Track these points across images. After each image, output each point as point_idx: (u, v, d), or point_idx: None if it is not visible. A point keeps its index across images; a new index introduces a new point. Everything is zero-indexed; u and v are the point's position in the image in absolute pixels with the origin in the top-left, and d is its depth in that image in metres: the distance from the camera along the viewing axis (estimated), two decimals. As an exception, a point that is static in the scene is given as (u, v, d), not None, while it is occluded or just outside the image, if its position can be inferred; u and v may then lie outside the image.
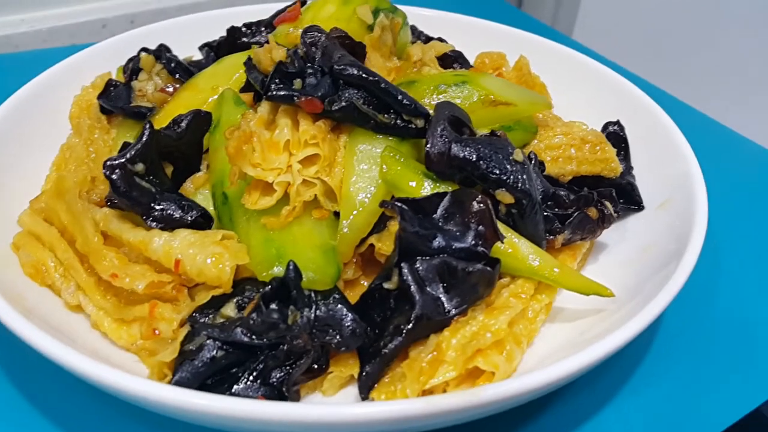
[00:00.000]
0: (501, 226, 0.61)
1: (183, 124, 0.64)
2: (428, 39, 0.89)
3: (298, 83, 0.62)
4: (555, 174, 0.73)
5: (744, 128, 1.04)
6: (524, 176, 0.62)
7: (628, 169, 0.78)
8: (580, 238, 0.68)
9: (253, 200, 0.58)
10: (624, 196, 0.75)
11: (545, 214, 0.65)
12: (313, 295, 0.56)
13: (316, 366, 0.57)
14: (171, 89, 0.73)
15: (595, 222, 0.67)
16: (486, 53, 0.90)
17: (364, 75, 0.61)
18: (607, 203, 0.68)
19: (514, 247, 0.61)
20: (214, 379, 0.55)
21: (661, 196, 0.73)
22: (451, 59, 0.77)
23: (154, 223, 0.59)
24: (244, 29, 0.82)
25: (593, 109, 0.85)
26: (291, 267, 0.54)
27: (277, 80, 0.60)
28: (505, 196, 0.61)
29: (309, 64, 0.63)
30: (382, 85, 0.61)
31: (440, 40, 0.89)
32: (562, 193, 0.68)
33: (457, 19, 1.03)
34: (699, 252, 0.61)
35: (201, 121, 0.66)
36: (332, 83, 0.62)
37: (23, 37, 1.30)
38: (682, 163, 0.73)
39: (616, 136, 0.78)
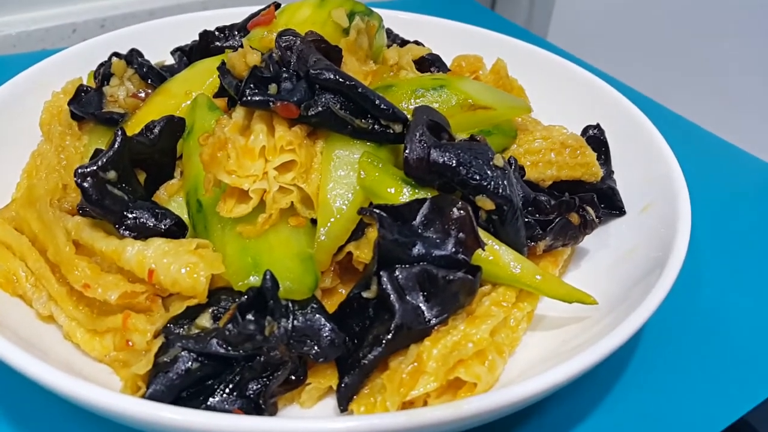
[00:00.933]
0: (482, 233, 0.61)
1: (156, 131, 0.62)
2: (404, 42, 0.88)
3: (273, 88, 0.60)
4: (535, 179, 0.72)
5: (718, 128, 1.04)
6: (505, 182, 0.61)
7: (609, 173, 0.77)
8: (561, 245, 0.67)
9: (228, 208, 0.57)
10: (605, 201, 0.74)
11: (526, 220, 0.65)
12: (290, 305, 0.55)
13: (293, 377, 0.55)
14: (143, 95, 0.71)
15: (577, 228, 0.67)
16: (462, 56, 0.89)
17: (340, 79, 0.60)
18: (589, 208, 0.68)
19: (495, 254, 0.61)
20: (189, 391, 0.53)
21: (643, 200, 0.73)
22: (428, 63, 0.77)
23: (127, 232, 0.57)
24: (216, 33, 0.80)
25: (572, 112, 0.85)
26: (268, 276, 0.52)
27: (252, 85, 0.59)
28: (485, 203, 0.61)
29: (284, 69, 0.62)
30: (359, 90, 0.60)
31: (416, 43, 0.88)
32: (543, 198, 0.67)
33: (431, 21, 1.03)
34: (683, 260, 0.60)
35: (174, 127, 0.64)
36: (308, 88, 0.61)
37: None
38: (662, 165, 0.73)
39: (596, 140, 0.78)
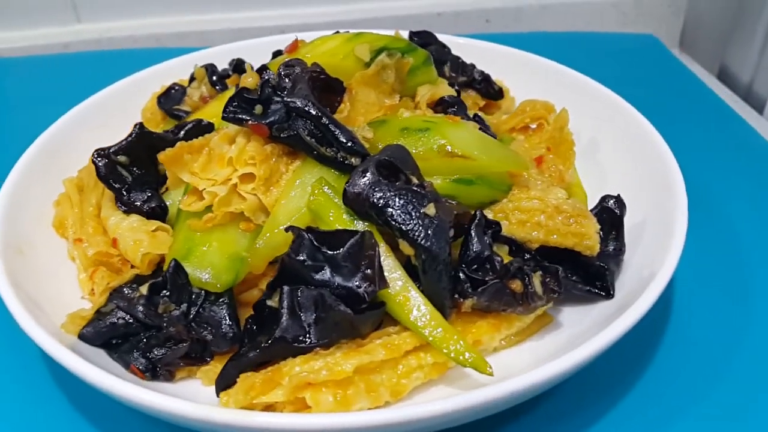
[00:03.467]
0: (404, 277, 0.63)
1: (182, 132, 0.75)
2: (475, 79, 0.90)
3: (258, 109, 0.69)
4: (521, 238, 0.70)
5: None
6: (429, 231, 0.62)
7: (617, 251, 0.71)
8: (502, 309, 0.65)
9: (188, 203, 0.68)
10: (594, 279, 0.69)
11: (460, 275, 0.64)
12: (203, 294, 0.64)
13: (194, 355, 0.65)
14: (209, 99, 0.85)
15: (514, 296, 0.64)
16: (530, 102, 0.88)
17: (306, 108, 0.66)
18: (536, 281, 0.64)
19: (405, 298, 0.62)
20: (118, 341, 0.65)
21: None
22: (447, 104, 0.78)
23: (121, 206, 0.71)
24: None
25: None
26: (172, 265, 0.62)
27: (235, 103, 0.68)
28: (405, 247, 0.62)
29: (278, 93, 0.70)
30: (323, 120, 0.66)
31: (484, 79, 0.89)
32: (497, 259, 0.65)
33: (538, 61, 1.02)
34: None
35: (201, 129, 0.76)
36: (286, 113, 0.68)
37: (215, 35, 1.55)
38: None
39: (610, 213, 0.72)
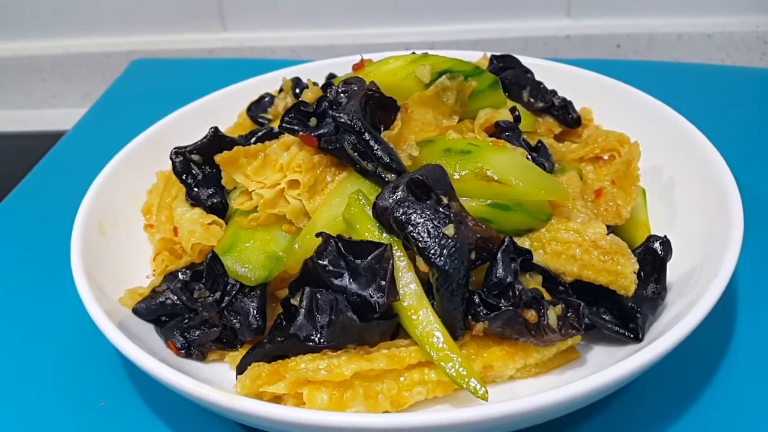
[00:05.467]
0: (420, 292, 0.64)
1: (254, 138, 0.82)
2: (554, 105, 0.89)
3: (313, 121, 0.74)
4: (555, 269, 0.68)
5: None
6: (444, 251, 0.63)
7: (655, 295, 0.67)
8: (515, 337, 0.64)
9: (240, 201, 0.74)
10: (623, 320, 0.66)
11: (475, 298, 0.64)
12: (237, 285, 0.70)
13: (225, 340, 0.70)
14: (290, 108, 0.92)
15: (526, 326, 0.63)
16: (603, 132, 0.86)
17: (351, 123, 0.70)
18: (551, 314, 0.63)
19: (416, 313, 0.64)
20: (165, 318, 0.73)
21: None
22: (501, 129, 0.77)
23: (189, 199, 0.79)
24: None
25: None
26: (210, 256, 0.69)
27: (291, 115, 0.74)
28: (421, 264, 0.64)
29: (333, 108, 0.74)
30: (365, 136, 0.70)
31: (563, 106, 0.88)
32: (519, 287, 0.65)
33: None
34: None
35: (271, 137, 0.83)
36: (335, 126, 0.72)
37: (345, 49, 1.64)
38: None
39: (653, 254, 0.68)
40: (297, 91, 0.94)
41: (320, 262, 0.65)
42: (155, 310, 0.72)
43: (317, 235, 0.67)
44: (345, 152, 0.71)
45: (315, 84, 0.82)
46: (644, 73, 1.23)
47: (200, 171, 0.80)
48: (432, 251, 0.63)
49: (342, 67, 1.06)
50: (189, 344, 0.70)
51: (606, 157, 0.84)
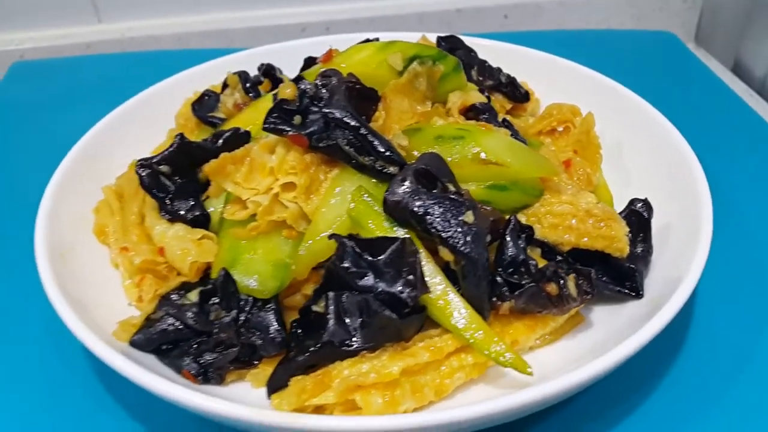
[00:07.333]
0: (445, 282, 0.65)
1: (221, 141, 0.78)
2: (501, 83, 0.92)
3: (297, 119, 0.71)
4: (553, 241, 0.72)
5: None
6: (468, 238, 0.64)
7: (645, 252, 0.73)
8: (538, 311, 0.67)
9: (232, 211, 0.70)
10: (623, 280, 0.71)
11: (497, 279, 0.67)
12: (250, 300, 0.67)
13: (243, 359, 0.67)
14: (243, 106, 0.87)
15: (549, 298, 0.66)
16: (557, 105, 0.90)
17: (344, 119, 0.68)
18: (571, 284, 0.66)
19: (446, 302, 0.64)
20: (168, 346, 0.68)
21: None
22: (478, 111, 0.80)
23: (165, 215, 0.73)
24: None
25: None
26: (222, 274, 0.65)
27: (275, 114, 0.70)
28: (445, 253, 0.65)
29: (316, 103, 0.72)
30: (361, 131, 0.68)
31: (510, 82, 0.91)
32: (532, 263, 0.68)
33: (561, 63, 1.03)
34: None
35: (239, 138, 0.78)
36: (325, 123, 0.70)
37: (237, 33, 1.57)
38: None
39: (638, 216, 0.74)
40: (247, 85, 0.89)
41: (343, 265, 0.64)
42: (155, 340, 0.67)
43: (330, 238, 0.66)
44: (339, 149, 0.69)
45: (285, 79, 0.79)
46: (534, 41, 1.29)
47: (171, 183, 0.74)
48: (456, 240, 0.64)
49: (271, 57, 1.02)
50: (205, 369, 0.66)
51: (561, 129, 0.89)
